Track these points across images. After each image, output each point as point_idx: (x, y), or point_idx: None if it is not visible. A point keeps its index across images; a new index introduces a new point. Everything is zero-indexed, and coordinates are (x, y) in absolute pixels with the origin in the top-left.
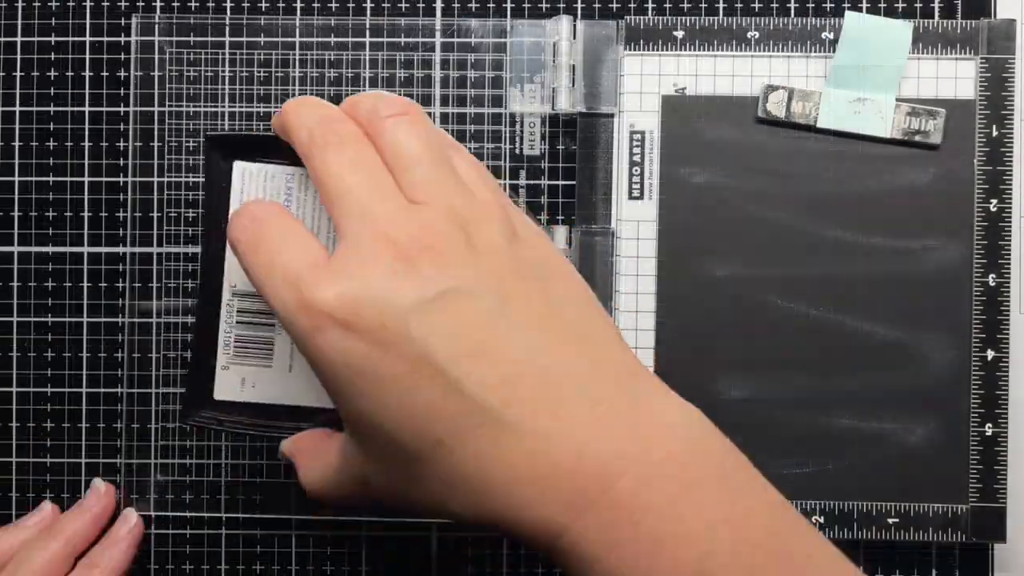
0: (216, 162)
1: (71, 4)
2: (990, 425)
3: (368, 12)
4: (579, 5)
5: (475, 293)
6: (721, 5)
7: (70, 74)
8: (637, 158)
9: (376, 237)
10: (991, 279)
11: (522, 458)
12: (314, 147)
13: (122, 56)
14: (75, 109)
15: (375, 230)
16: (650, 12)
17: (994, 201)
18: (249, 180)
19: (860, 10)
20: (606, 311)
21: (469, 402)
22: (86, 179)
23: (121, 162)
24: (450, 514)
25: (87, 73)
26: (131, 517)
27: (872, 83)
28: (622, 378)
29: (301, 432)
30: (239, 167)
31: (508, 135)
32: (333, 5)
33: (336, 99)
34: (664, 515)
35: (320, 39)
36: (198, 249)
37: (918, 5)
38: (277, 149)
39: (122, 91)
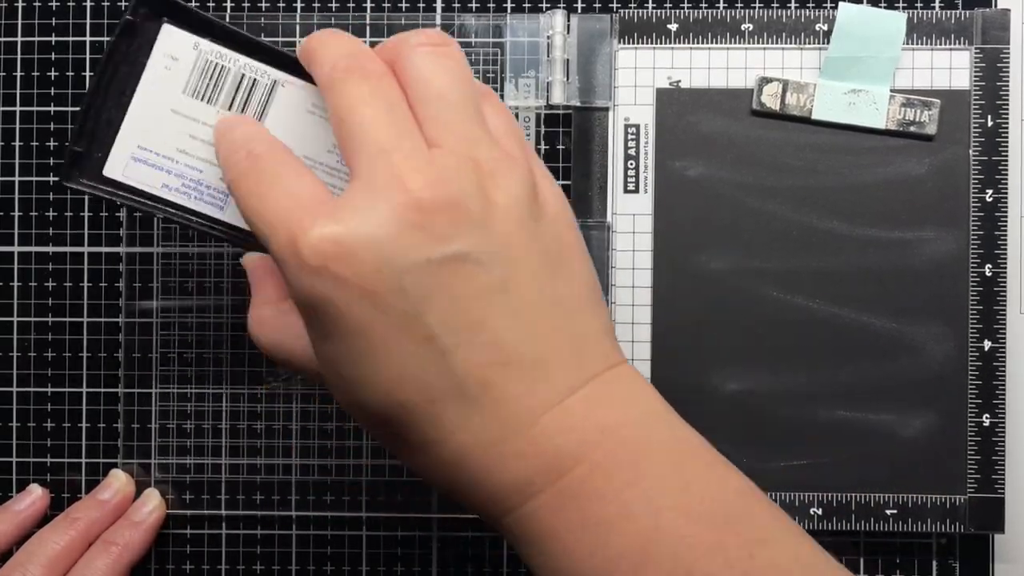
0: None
1: (71, 4)
2: (988, 416)
3: (368, 10)
4: (579, 4)
5: (484, 263)
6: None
7: (70, 74)
8: (632, 152)
9: (389, 180)
10: (987, 269)
11: (484, 439)
12: (335, 78)
13: None
14: (75, 109)
15: (389, 172)
16: (649, 5)
17: (990, 191)
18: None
19: (860, 1)
20: (603, 298)
21: (450, 376)
22: None
23: None
24: (398, 456)
25: (87, 73)
26: (151, 499)
27: (867, 74)
28: (606, 369)
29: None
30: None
31: None
32: (333, 4)
33: None
34: (610, 501)
35: None
36: (198, 249)
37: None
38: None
39: None
